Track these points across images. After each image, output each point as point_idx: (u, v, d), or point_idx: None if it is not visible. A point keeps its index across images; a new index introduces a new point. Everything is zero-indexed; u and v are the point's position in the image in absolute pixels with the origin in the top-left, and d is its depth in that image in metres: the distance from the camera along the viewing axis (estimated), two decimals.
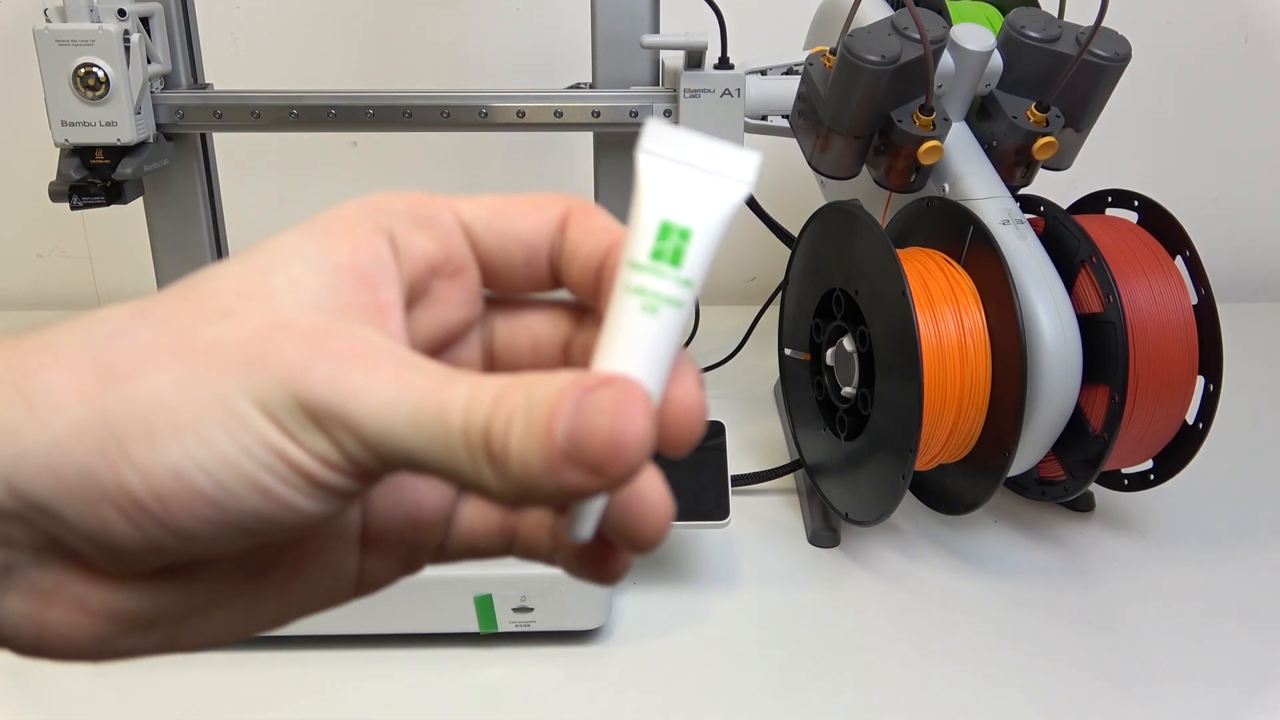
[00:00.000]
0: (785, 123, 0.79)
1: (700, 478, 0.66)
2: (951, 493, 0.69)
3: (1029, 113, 0.70)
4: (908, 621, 0.64)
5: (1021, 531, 0.74)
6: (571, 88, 0.81)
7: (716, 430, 0.71)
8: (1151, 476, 0.71)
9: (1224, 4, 1.16)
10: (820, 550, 0.72)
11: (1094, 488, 0.74)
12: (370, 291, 0.22)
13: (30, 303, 1.19)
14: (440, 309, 0.24)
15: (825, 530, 0.72)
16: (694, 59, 0.75)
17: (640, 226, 0.22)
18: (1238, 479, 0.80)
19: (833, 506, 0.71)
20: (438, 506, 0.25)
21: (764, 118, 0.82)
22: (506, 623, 0.60)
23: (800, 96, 0.74)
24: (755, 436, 0.87)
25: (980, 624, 0.64)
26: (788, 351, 0.77)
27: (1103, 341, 0.63)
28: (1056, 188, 0.74)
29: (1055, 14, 0.72)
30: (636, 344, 0.21)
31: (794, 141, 0.76)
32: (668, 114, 0.78)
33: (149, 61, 0.75)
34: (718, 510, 0.64)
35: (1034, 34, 0.69)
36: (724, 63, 0.77)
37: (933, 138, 0.67)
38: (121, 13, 0.73)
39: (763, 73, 0.82)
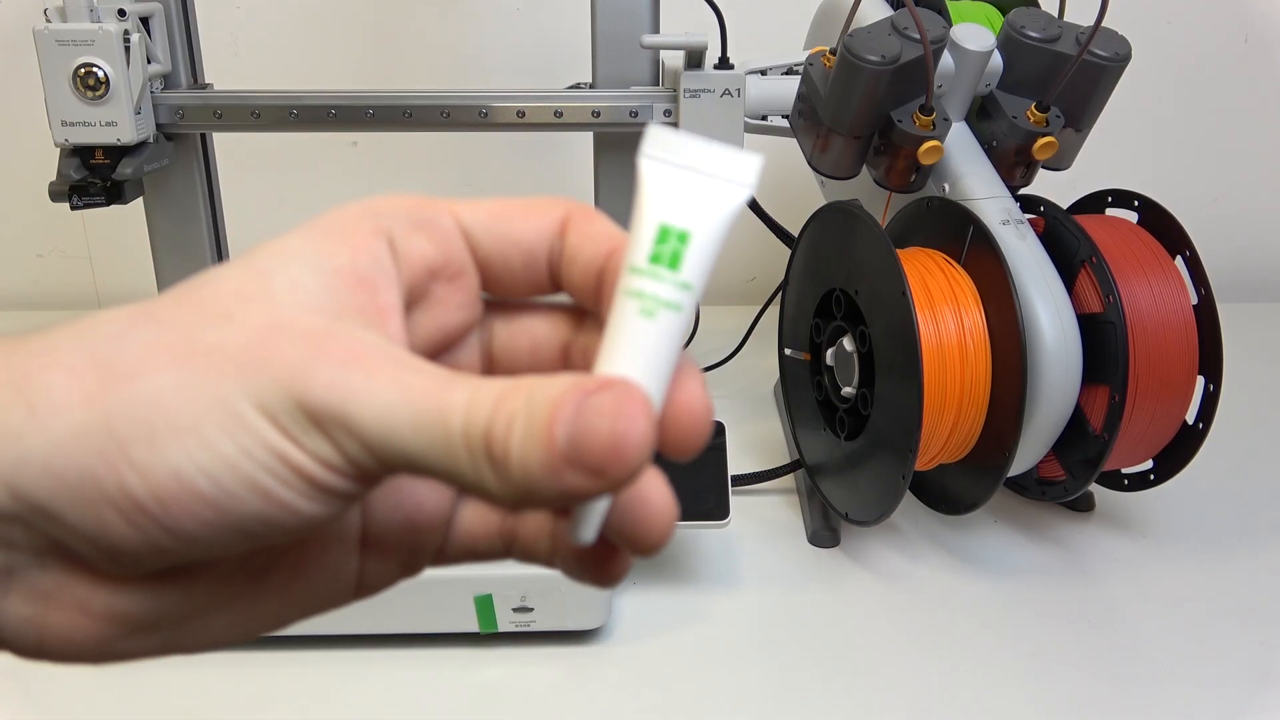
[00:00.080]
0: (785, 123, 0.79)
1: (700, 478, 0.66)
2: (951, 493, 0.69)
3: (1029, 113, 0.70)
4: (908, 621, 0.64)
5: (1021, 531, 0.74)
6: (571, 88, 0.81)
7: (716, 430, 0.71)
8: (1151, 476, 0.71)
9: (1224, 4, 1.16)
10: (820, 550, 0.72)
11: (1094, 488, 0.74)
12: (369, 294, 0.22)
13: (30, 303, 1.19)
14: (439, 312, 0.25)
15: (825, 530, 0.72)
16: (694, 59, 0.75)
17: (640, 231, 0.22)
18: (1238, 479, 0.80)
19: (833, 506, 0.71)
20: (437, 509, 0.25)
21: (764, 118, 0.82)
22: (506, 623, 0.60)
23: (800, 96, 0.74)
24: (755, 436, 0.87)
25: (980, 624, 0.64)
26: (788, 351, 0.77)
27: (1103, 341, 0.63)
28: (1056, 188, 0.74)
29: (1055, 14, 0.72)
30: (636, 348, 0.21)
31: (794, 141, 0.76)
32: (668, 114, 0.78)
33: (149, 61, 0.75)
34: (718, 510, 0.64)
35: (1034, 34, 0.69)
36: (724, 63, 0.77)
37: (933, 138, 0.67)
38: (121, 13, 0.73)
39: (763, 73, 0.82)
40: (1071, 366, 0.63)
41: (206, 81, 0.83)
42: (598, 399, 0.20)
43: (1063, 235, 0.66)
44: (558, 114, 0.78)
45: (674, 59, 0.78)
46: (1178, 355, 0.65)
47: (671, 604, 0.65)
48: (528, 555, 0.25)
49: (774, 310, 0.83)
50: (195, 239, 0.84)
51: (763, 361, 0.95)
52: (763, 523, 0.75)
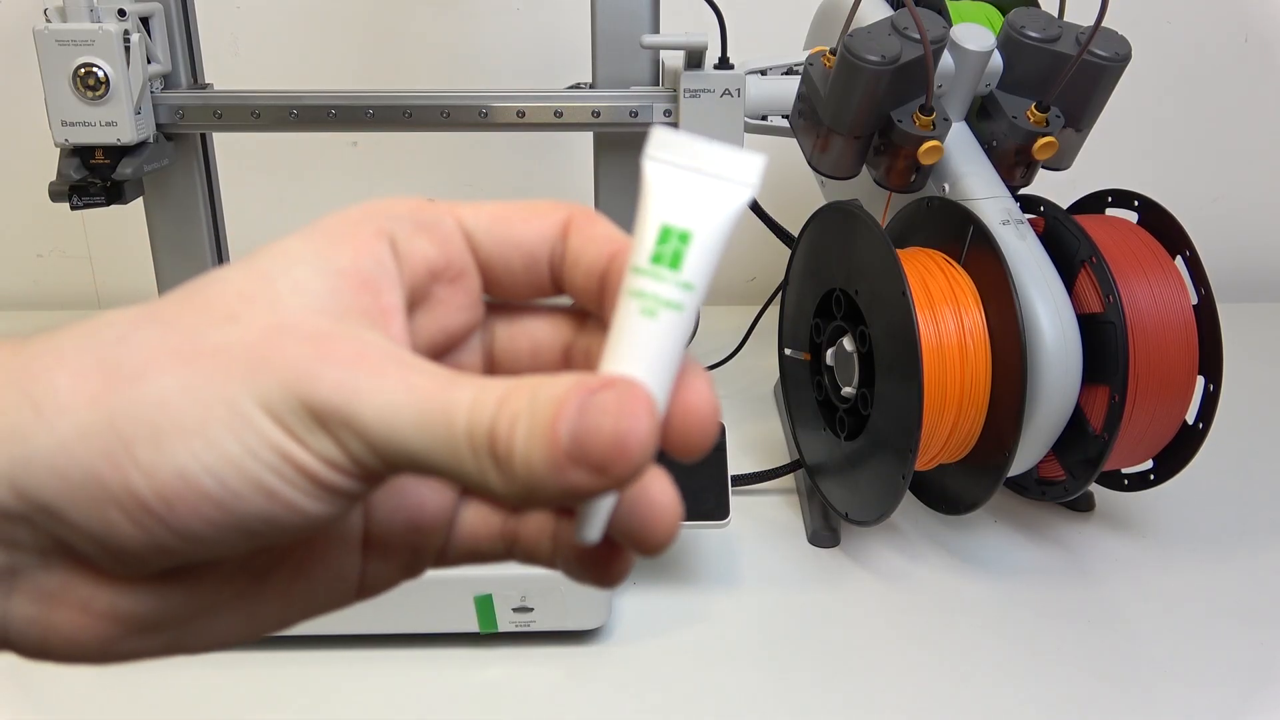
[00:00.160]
0: (785, 123, 0.79)
1: (700, 478, 0.66)
2: (951, 493, 0.69)
3: (1029, 113, 0.70)
4: (908, 621, 0.64)
5: (1021, 531, 0.74)
6: (571, 88, 0.81)
7: None
8: (1151, 476, 0.71)
9: (1224, 4, 1.16)
10: (820, 550, 0.72)
11: (1094, 488, 0.74)
12: (372, 295, 0.22)
13: (30, 303, 1.19)
14: (441, 313, 0.25)
15: (825, 530, 0.72)
16: (694, 59, 0.75)
17: (642, 231, 0.22)
18: (1238, 479, 0.80)
19: (833, 506, 0.71)
20: (439, 510, 0.25)
21: (764, 118, 0.82)
22: (506, 623, 0.60)
23: (800, 96, 0.74)
24: (755, 436, 0.87)
25: (980, 624, 0.64)
26: (788, 351, 0.77)
27: (1103, 341, 0.63)
28: (1056, 188, 0.74)
29: (1055, 14, 0.72)
30: (638, 347, 0.21)
31: (794, 141, 0.76)
32: (667, 114, 0.78)
33: (149, 61, 0.75)
34: (718, 510, 0.64)
35: (1034, 34, 0.69)
36: (724, 63, 0.77)
37: (933, 138, 0.67)
38: (121, 13, 0.73)
39: (763, 73, 0.82)
40: (1071, 366, 0.63)
41: (206, 81, 0.83)
42: (601, 397, 0.20)
43: (1063, 235, 0.66)
44: (558, 114, 0.78)
45: (674, 59, 0.78)
46: (1178, 355, 0.65)
47: (671, 604, 0.65)
48: (529, 556, 0.25)
49: (774, 310, 0.83)
50: (195, 239, 0.84)
51: (763, 361, 0.95)
52: (763, 523, 0.75)
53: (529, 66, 1.13)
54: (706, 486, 0.65)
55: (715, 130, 0.76)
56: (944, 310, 0.64)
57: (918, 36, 0.65)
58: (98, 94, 0.72)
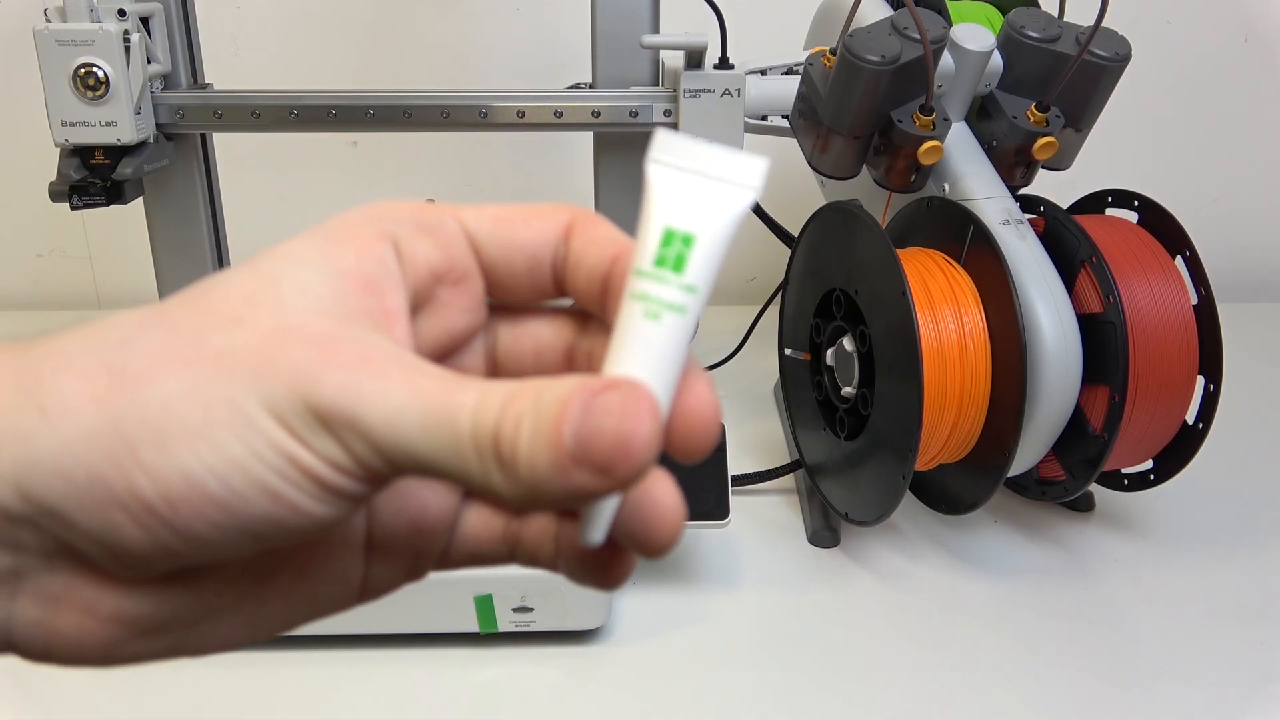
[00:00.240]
0: (785, 123, 0.79)
1: (700, 478, 0.66)
2: (951, 493, 0.69)
3: (1029, 113, 0.70)
4: (908, 621, 0.64)
5: (1021, 531, 0.74)
6: (571, 88, 0.81)
7: None
8: (1151, 476, 0.71)
9: (1224, 4, 1.16)
10: (820, 550, 0.72)
11: (1094, 488, 0.74)
12: (376, 298, 0.22)
13: (30, 303, 1.19)
14: (444, 316, 0.25)
15: (825, 530, 0.72)
16: (694, 59, 0.75)
17: (645, 234, 0.22)
18: (1238, 479, 0.80)
19: (833, 506, 0.71)
20: (442, 513, 0.25)
21: (764, 118, 0.82)
22: (506, 623, 0.60)
23: (800, 96, 0.74)
24: (755, 436, 0.87)
25: (980, 624, 0.64)
26: (788, 351, 0.77)
27: (1103, 341, 0.63)
28: (1056, 188, 0.74)
29: (1055, 14, 0.72)
30: (641, 349, 0.21)
31: (794, 141, 0.76)
32: (668, 114, 0.78)
33: (149, 61, 0.75)
34: (718, 510, 0.64)
35: (1034, 34, 0.69)
36: (724, 63, 0.77)
37: (933, 138, 0.67)
38: (121, 13, 0.73)
39: (763, 73, 0.82)
40: (1071, 366, 0.63)
41: (206, 81, 0.83)
42: (604, 398, 0.20)
43: (1063, 235, 0.66)
44: (558, 114, 0.78)
45: (674, 59, 0.78)
46: (1178, 355, 0.65)
47: (671, 604, 0.65)
48: (531, 559, 0.25)
49: (774, 310, 0.83)
50: (195, 239, 0.84)
51: (763, 361, 0.95)
52: (763, 523, 0.75)
53: (529, 66, 1.13)
54: (706, 486, 0.65)
55: (715, 130, 0.76)
56: (944, 310, 0.64)
57: (918, 36, 0.65)
58: (98, 94, 0.72)
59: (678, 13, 0.80)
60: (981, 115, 0.73)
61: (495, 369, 0.26)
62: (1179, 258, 0.68)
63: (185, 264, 0.85)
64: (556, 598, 0.60)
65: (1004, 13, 0.76)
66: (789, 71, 0.83)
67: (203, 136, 0.83)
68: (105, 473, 0.20)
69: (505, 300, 0.26)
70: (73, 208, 0.75)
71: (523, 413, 0.20)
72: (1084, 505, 0.76)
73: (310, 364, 0.20)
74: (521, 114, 0.78)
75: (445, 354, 0.25)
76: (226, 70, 0.88)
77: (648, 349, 0.21)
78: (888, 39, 0.66)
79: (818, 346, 0.73)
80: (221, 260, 0.87)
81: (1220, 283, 0.67)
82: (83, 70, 0.71)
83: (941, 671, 0.60)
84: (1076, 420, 0.65)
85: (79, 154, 0.75)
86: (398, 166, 1.17)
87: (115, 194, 0.76)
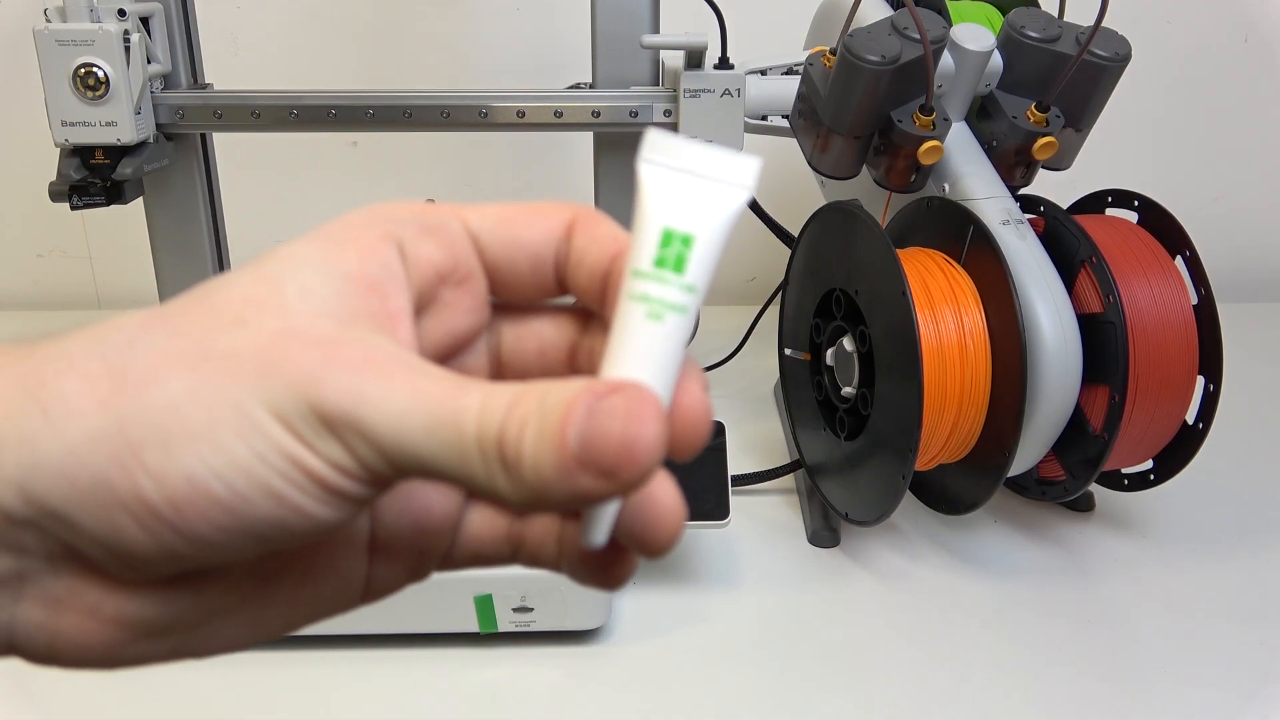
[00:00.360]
0: (785, 123, 0.79)
1: (700, 478, 0.66)
2: (951, 493, 0.69)
3: (1029, 113, 0.70)
4: (908, 621, 0.64)
5: (1021, 531, 0.74)
6: (571, 88, 0.81)
7: (716, 430, 0.71)
8: (1151, 476, 0.71)
9: (1224, 4, 1.16)
10: (820, 550, 0.72)
11: (1094, 488, 0.74)
12: (380, 299, 0.22)
13: (30, 303, 1.19)
14: (448, 316, 0.25)
15: (825, 530, 0.72)
16: (694, 59, 0.75)
17: (643, 234, 0.22)
18: (1238, 479, 0.80)
19: (833, 506, 0.71)
20: (445, 514, 0.25)
21: (764, 118, 0.82)
22: (506, 623, 0.60)
23: (800, 96, 0.74)
24: (755, 436, 0.87)
25: (980, 624, 0.64)
26: (788, 351, 0.77)
27: (1103, 341, 0.63)
28: (1056, 188, 0.74)
29: (1055, 14, 0.72)
30: (644, 351, 0.22)
31: (794, 141, 0.76)
32: (668, 114, 0.78)
33: (149, 61, 0.75)
34: (718, 510, 0.64)
35: (1034, 34, 0.69)
36: (724, 63, 0.77)
37: (933, 138, 0.67)
38: (121, 13, 0.73)
39: (763, 73, 0.82)
40: (1071, 366, 0.63)
41: (206, 81, 0.83)
42: (609, 402, 0.20)
43: (1063, 235, 0.66)
44: (558, 114, 0.78)
45: (674, 59, 0.78)
46: (1178, 355, 0.65)
47: (671, 604, 0.65)
48: (534, 560, 0.25)
49: (774, 310, 0.83)
50: (195, 239, 0.84)
51: (763, 361, 0.95)
52: (763, 523, 0.75)
53: (529, 66, 1.13)
54: (706, 486, 0.65)
55: (715, 130, 0.76)
56: (944, 310, 0.64)
57: (918, 36, 0.65)
58: (98, 94, 0.72)
59: (678, 13, 0.80)
60: (981, 115, 0.73)
61: (499, 368, 0.26)
62: (1179, 258, 0.68)
63: (185, 264, 0.85)
64: (556, 598, 0.60)
65: (1004, 13, 0.76)
66: (789, 71, 0.83)
67: (203, 136, 0.83)
68: (109, 475, 0.20)
69: (508, 299, 0.26)
70: (73, 208, 0.75)
71: (527, 415, 0.20)
72: (1084, 505, 0.76)
73: (314, 366, 0.20)
74: (521, 114, 0.78)
75: (449, 355, 0.25)
76: (226, 70, 0.88)
77: (650, 350, 0.22)
78: (888, 39, 0.66)
79: (818, 346, 0.73)
80: (221, 260, 0.87)
81: (1220, 283, 0.67)
82: (83, 70, 0.71)
83: (941, 671, 0.60)
84: (1076, 420, 0.65)
85: (79, 154, 0.75)
86: (398, 166, 1.17)
87: (115, 194, 0.76)
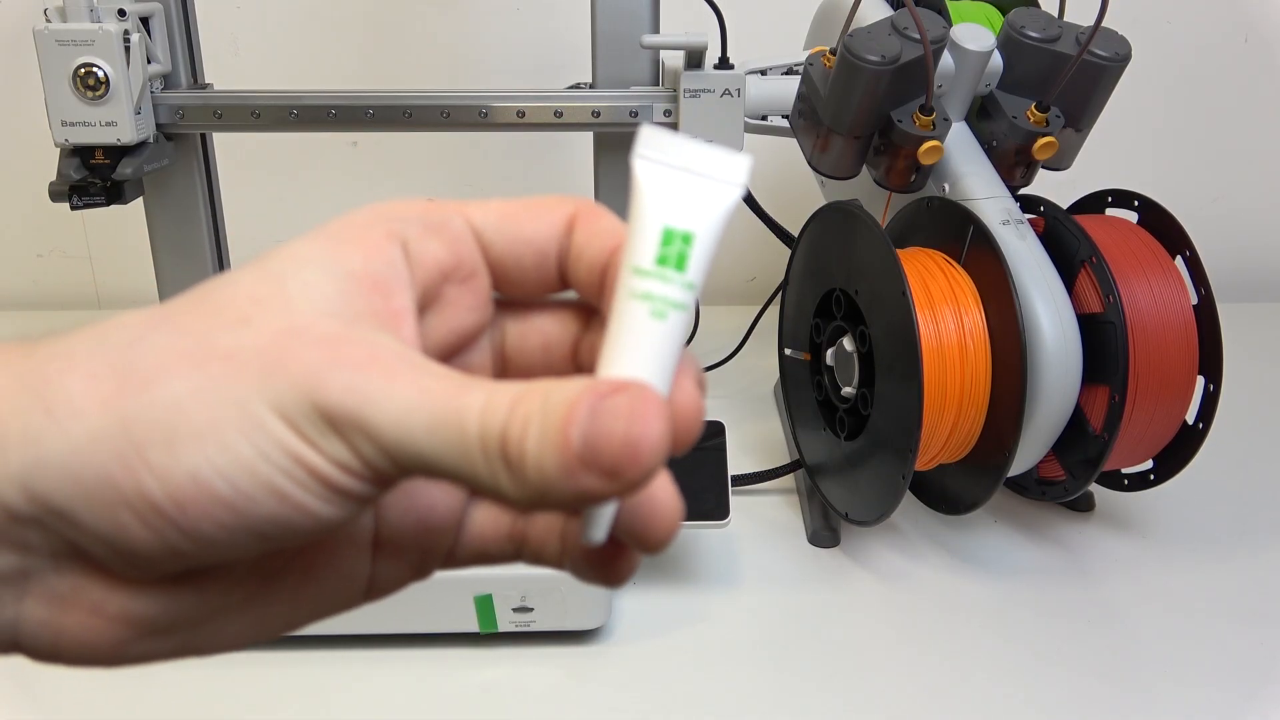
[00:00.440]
0: (785, 123, 0.79)
1: (700, 478, 0.66)
2: (951, 493, 0.69)
3: (1029, 113, 0.70)
4: (908, 621, 0.64)
5: (1021, 531, 0.74)
6: (571, 88, 0.81)
7: (716, 430, 0.71)
8: (1151, 476, 0.71)
9: (1224, 4, 1.16)
10: (820, 550, 0.72)
11: (1094, 488, 0.74)
12: (383, 298, 0.22)
13: (30, 303, 1.19)
14: (452, 314, 0.25)
15: (825, 530, 0.72)
16: (694, 59, 0.75)
17: (642, 232, 0.22)
18: (1238, 479, 0.80)
19: (833, 506, 0.71)
20: (449, 512, 0.25)
21: (764, 118, 0.82)
22: (506, 623, 0.60)
23: (800, 96, 0.74)
24: (755, 436, 0.87)
25: (980, 624, 0.64)
26: (788, 351, 0.77)
27: (1103, 341, 0.63)
28: (1056, 188, 0.74)
29: (1055, 14, 0.72)
30: (647, 349, 0.22)
31: (794, 141, 0.76)
32: (668, 114, 0.78)
33: (149, 61, 0.75)
34: (718, 510, 0.64)
35: (1034, 34, 0.69)
36: (724, 63, 0.77)
37: (933, 138, 0.67)
38: (121, 13, 0.73)
39: (763, 73, 0.82)
40: (1071, 366, 0.63)
41: (206, 81, 0.83)
42: (613, 401, 0.20)
43: (1063, 235, 0.66)
44: (558, 114, 0.78)
45: (674, 59, 0.78)
46: (1178, 355, 0.65)
47: (671, 604, 0.65)
48: (537, 557, 0.25)
49: (774, 310, 0.83)
50: (195, 239, 0.84)
51: (763, 361, 0.95)
52: (763, 523, 0.75)
53: (529, 66, 1.13)
54: (706, 486, 0.65)
55: (715, 130, 0.76)
56: (944, 310, 0.64)
57: (918, 36, 0.65)
58: (98, 94, 0.72)
59: (678, 13, 0.80)
60: (981, 115, 0.73)
61: (504, 365, 0.26)
62: (1179, 258, 0.68)
63: (185, 264, 0.85)
64: (556, 598, 0.60)
65: (1004, 13, 0.76)
66: (789, 71, 0.83)
67: (203, 136, 0.83)
68: (113, 474, 0.20)
69: (512, 295, 0.26)
70: (73, 208, 0.75)
71: (530, 414, 0.20)
72: (1084, 505, 0.76)
73: (318, 365, 0.20)
74: (521, 114, 0.78)
75: (453, 352, 0.25)
76: (226, 70, 0.88)
77: (653, 348, 0.22)
78: (888, 39, 0.66)
79: (818, 346, 0.73)
80: (221, 260, 0.87)
81: (1220, 283, 0.67)
82: (83, 70, 0.71)
83: (941, 671, 0.60)
84: (1076, 420, 0.65)
85: (79, 154, 0.75)
86: (398, 166, 1.17)
87: (115, 194, 0.76)
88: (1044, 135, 0.69)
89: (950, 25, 0.69)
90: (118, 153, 0.75)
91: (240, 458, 0.20)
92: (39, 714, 0.57)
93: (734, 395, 0.95)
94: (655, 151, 0.23)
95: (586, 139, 0.85)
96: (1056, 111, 0.69)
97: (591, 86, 0.80)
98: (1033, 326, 0.62)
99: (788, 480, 0.80)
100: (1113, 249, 0.66)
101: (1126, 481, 0.72)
